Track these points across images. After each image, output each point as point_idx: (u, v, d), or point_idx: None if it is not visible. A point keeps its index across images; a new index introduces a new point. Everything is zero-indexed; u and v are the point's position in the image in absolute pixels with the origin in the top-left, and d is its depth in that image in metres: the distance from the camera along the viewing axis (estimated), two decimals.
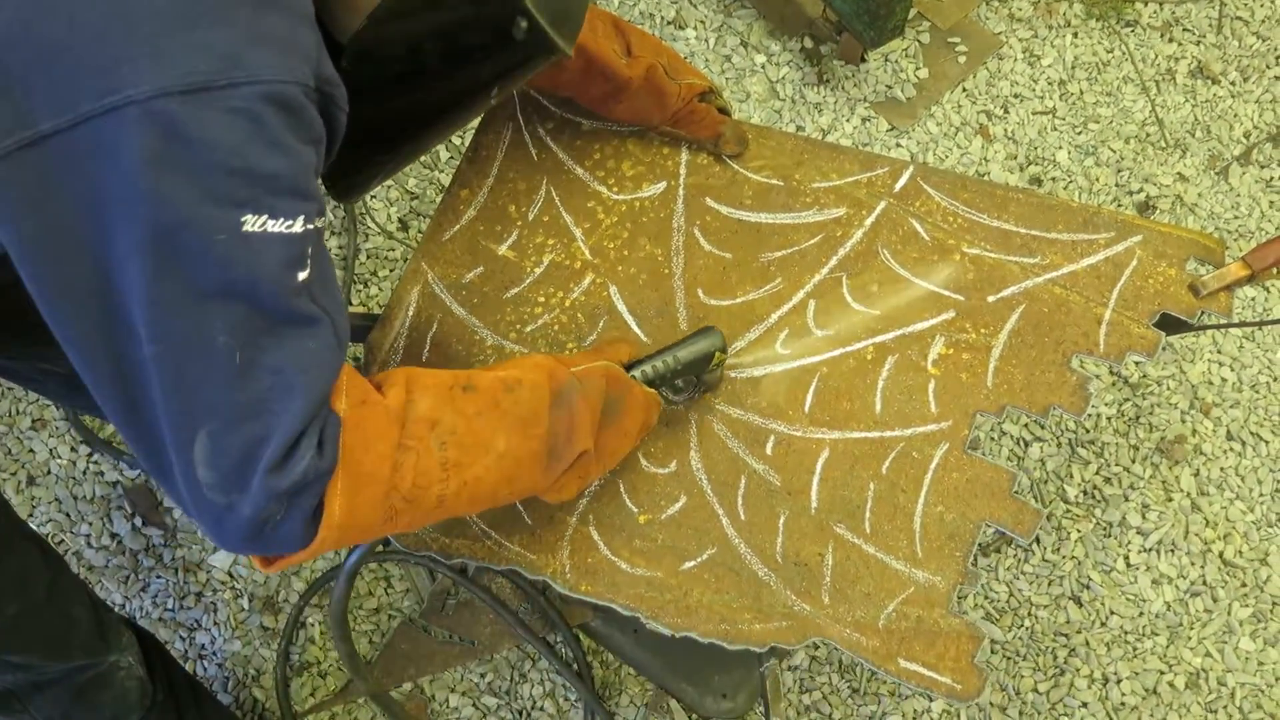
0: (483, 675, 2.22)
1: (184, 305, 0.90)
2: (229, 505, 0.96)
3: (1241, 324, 1.56)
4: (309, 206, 0.95)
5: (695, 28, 2.80)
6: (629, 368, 1.34)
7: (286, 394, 0.95)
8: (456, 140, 2.69)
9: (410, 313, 1.53)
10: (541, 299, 1.54)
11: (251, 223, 0.90)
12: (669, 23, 2.80)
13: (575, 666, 2.16)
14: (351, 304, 2.52)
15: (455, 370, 1.17)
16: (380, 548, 2.26)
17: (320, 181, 1.05)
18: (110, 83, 0.85)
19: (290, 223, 0.93)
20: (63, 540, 2.25)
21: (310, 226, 0.95)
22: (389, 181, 2.67)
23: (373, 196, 2.65)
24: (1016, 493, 1.38)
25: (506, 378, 1.17)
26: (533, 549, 1.39)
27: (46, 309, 0.94)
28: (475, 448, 1.11)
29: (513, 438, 1.14)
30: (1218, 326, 1.63)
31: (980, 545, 2.33)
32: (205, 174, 0.88)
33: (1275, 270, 1.42)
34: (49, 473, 2.30)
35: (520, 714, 2.19)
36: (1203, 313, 1.44)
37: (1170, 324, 1.45)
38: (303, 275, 0.95)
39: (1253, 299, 2.58)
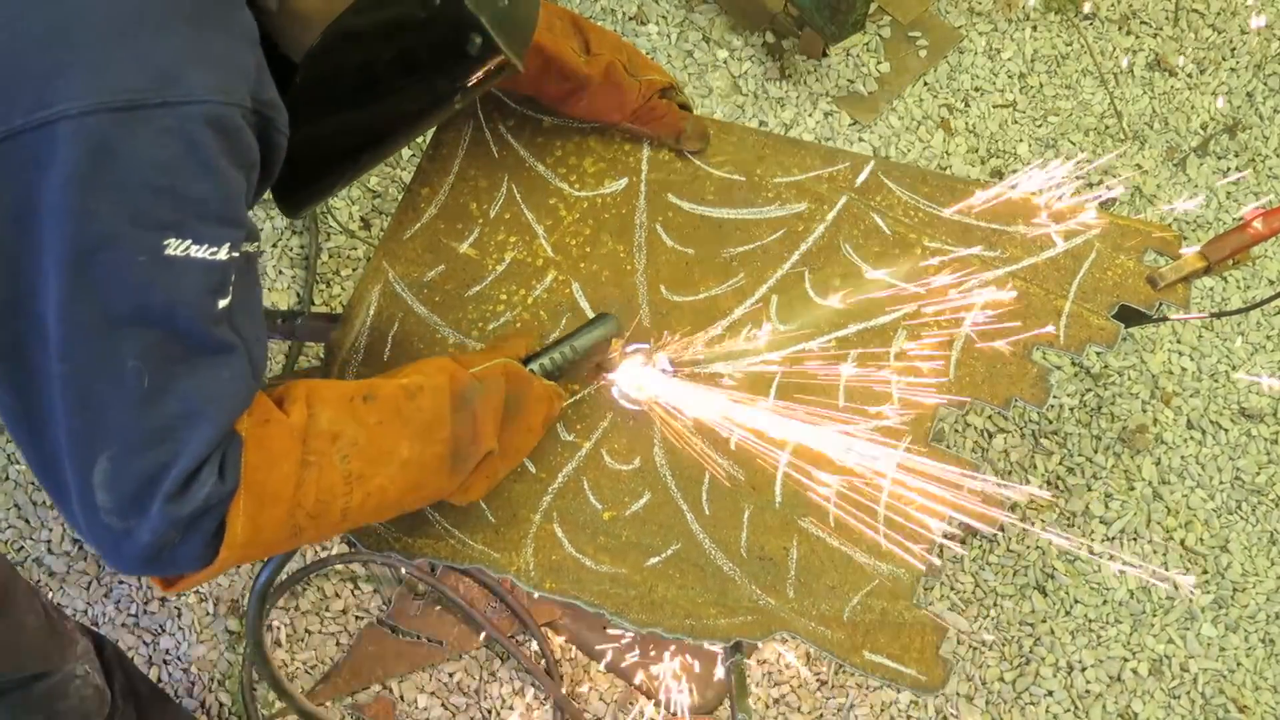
0: (451, 675, 2.21)
1: (97, 327, 0.89)
2: (126, 530, 0.95)
3: (1198, 316, 1.57)
4: (235, 234, 0.94)
5: (657, 23, 2.79)
6: (527, 361, 1.33)
7: (193, 422, 0.95)
8: (419, 138, 2.67)
9: (371, 312, 1.52)
10: (504, 297, 1.53)
11: (174, 246, 0.89)
12: (631, 18, 2.79)
13: (544, 664, 2.16)
14: (314, 304, 2.50)
15: (357, 380, 1.17)
16: (348, 547, 2.25)
17: (266, 197, 1.05)
18: (45, 96, 0.84)
19: (215, 249, 0.92)
20: (23, 546, 2.22)
21: (235, 254, 0.94)
22: None
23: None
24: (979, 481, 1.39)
25: (408, 384, 1.16)
26: (496, 547, 1.38)
27: None
28: (378, 458, 1.10)
29: (416, 444, 1.13)
30: (1175, 319, 1.64)
31: (945, 535, 2.35)
32: (131, 193, 0.87)
33: (1231, 261, 1.44)
34: (8, 478, 2.26)
35: (489, 713, 2.18)
36: (1161, 303, 1.45)
37: (1129, 315, 1.46)
38: (223, 302, 0.94)
39: (1211, 289, 2.61)
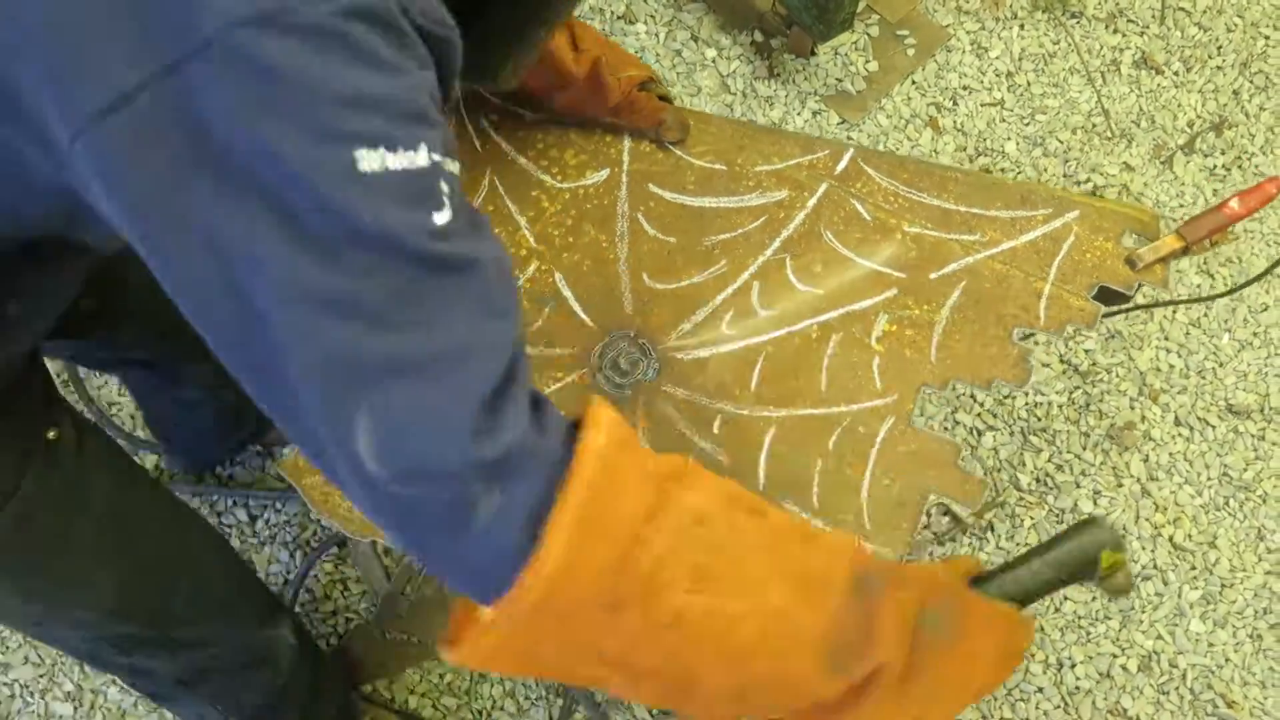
0: (441, 675, 2.20)
1: (311, 266, 0.74)
2: (418, 498, 0.77)
3: (1177, 301, 1.58)
4: (429, 134, 0.77)
5: (645, 22, 2.81)
6: (976, 582, 0.99)
7: (461, 354, 0.78)
8: None
9: None
10: None
11: (367, 159, 0.74)
12: (619, 17, 2.80)
13: None
14: None
15: (737, 486, 0.92)
16: (337, 548, 2.24)
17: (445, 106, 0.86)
18: (190, 19, 0.72)
19: (411, 153, 0.76)
20: None
21: (435, 158, 0.78)
22: None
23: None
24: (962, 462, 1.39)
25: (805, 525, 0.94)
26: None
27: (167, 284, 0.79)
28: (742, 583, 0.85)
29: (790, 598, 0.86)
30: (1154, 306, 1.65)
31: (936, 534, 2.35)
32: (303, 110, 0.73)
33: (1209, 241, 1.45)
34: None
35: (480, 714, 2.17)
36: (1140, 285, 1.46)
37: (1109, 296, 1.47)
38: (441, 218, 0.77)
39: (1198, 286, 2.62)
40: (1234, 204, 1.38)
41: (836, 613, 0.87)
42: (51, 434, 1.16)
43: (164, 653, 1.41)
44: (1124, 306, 1.48)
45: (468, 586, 0.83)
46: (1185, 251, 1.42)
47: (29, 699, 2.14)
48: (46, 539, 1.17)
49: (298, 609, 2.24)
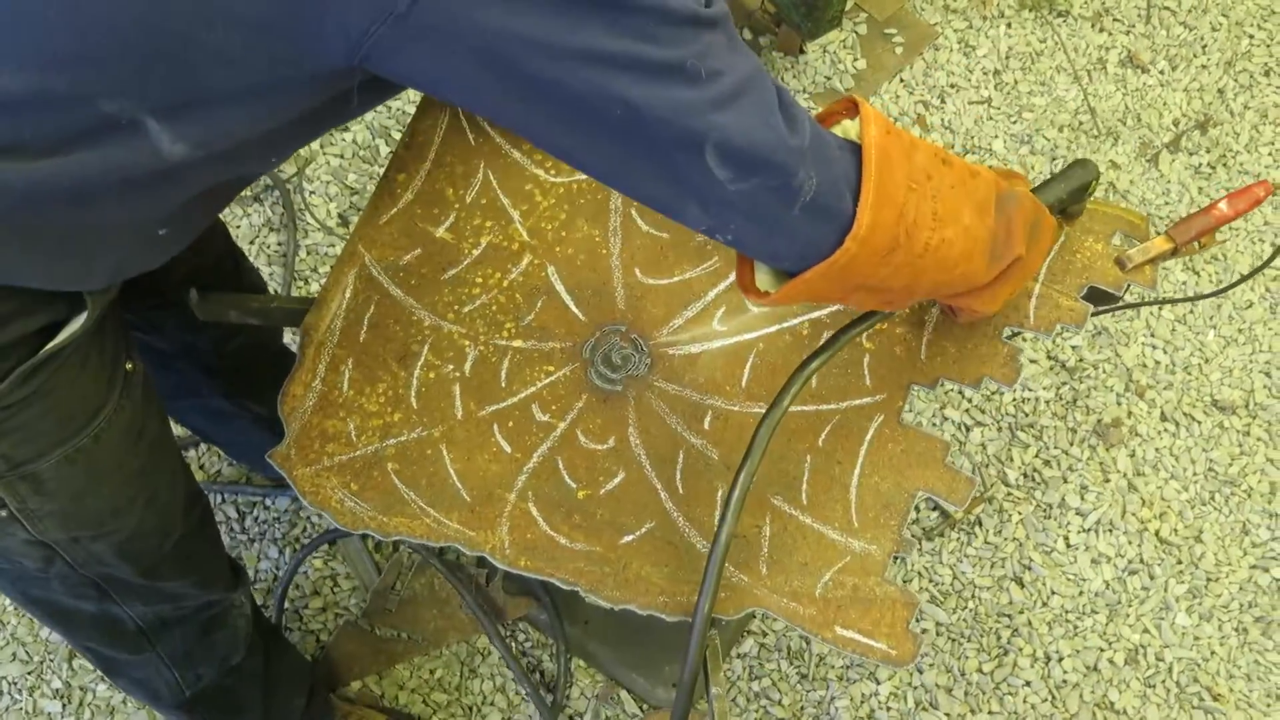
0: (432, 671, 2.21)
1: (641, 49, 0.90)
2: (758, 179, 0.99)
3: (1163, 300, 1.59)
4: None
5: None
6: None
7: (748, 79, 0.97)
8: (396, 134, 2.68)
9: (347, 295, 1.52)
10: (479, 280, 1.53)
11: None
12: None
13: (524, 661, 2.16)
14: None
15: (930, 143, 1.19)
16: (328, 546, 2.24)
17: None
18: None
19: None
20: None
21: None
22: (328, 177, 2.66)
23: (311, 192, 2.64)
24: (950, 460, 1.40)
25: (971, 164, 1.19)
26: (471, 525, 1.39)
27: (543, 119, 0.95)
28: (950, 215, 1.12)
29: (974, 216, 1.15)
30: (1142, 305, 1.66)
31: (924, 529, 2.36)
32: None
33: (1198, 243, 1.46)
34: None
35: (470, 709, 2.18)
36: (1129, 286, 1.47)
37: (1098, 296, 1.48)
38: None
39: (1184, 283, 2.64)
40: (1223, 206, 1.39)
41: (993, 225, 1.18)
42: (129, 366, 1.26)
43: (138, 602, 1.46)
44: (1112, 305, 1.49)
45: (796, 260, 1.08)
46: (1174, 253, 1.43)
47: (17, 696, 2.14)
48: (109, 462, 1.26)
49: (287, 605, 2.24)
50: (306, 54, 0.89)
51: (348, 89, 0.96)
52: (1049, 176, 1.41)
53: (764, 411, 1.26)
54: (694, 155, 0.96)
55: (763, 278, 1.17)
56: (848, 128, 1.13)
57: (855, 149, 1.07)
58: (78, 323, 1.11)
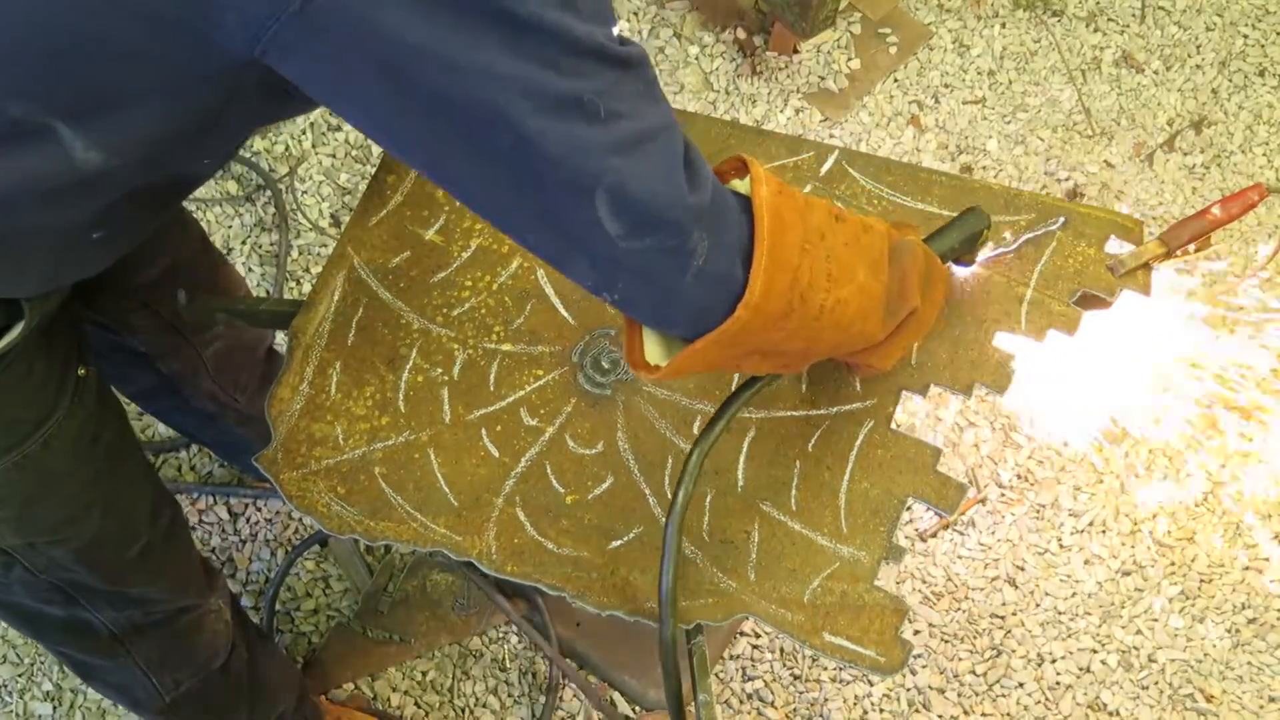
0: (424, 673, 2.20)
1: (541, 78, 0.86)
2: (650, 240, 0.95)
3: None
4: None
5: (629, 19, 2.80)
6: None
7: (655, 128, 0.94)
8: None
9: (336, 297, 1.52)
10: (469, 283, 1.53)
11: None
12: None
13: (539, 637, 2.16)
14: (283, 299, 2.49)
15: (815, 197, 1.16)
16: (319, 547, 2.24)
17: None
18: None
19: None
20: None
21: None
22: (320, 177, 2.65)
23: (303, 192, 2.63)
24: (942, 465, 1.39)
25: (863, 219, 1.17)
26: (459, 530, 1.38)
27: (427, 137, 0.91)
28: (844, 274, 1.10)
29: (868, 274, 1.14)
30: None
31: (918, 530, 2.36)
32: None
33: (1192, 247, 1.45)
34: None
35: (462, 711, 2.17)
36: (1122, 291, 1.46)
37: (1090, 302, 1.47)
38: (615, 28, 0.92)
39: (1176, 280, 2.63)
40: (1216, 210, 1.38)
41: (888, 280, 1.17)
42: (82, 371, 1.26)
43: (108, 607, 1.45)
44: (1105, 307, 1.49)
45: (688, 327, 1.05)
46: (1167, 257, 1.42)
47: (7, 698, 2.13)
48: (60, 469, 1.25)
49: (279, 607, 2.24)
50: (206, 46, 0.86)
51: (256, 84, 0.92)
52: (940, 226, 1.38)
53: (753, 416, 1.25)
54: (584, 201, 0.91)
55: (652, 349, 1.13)
56: (737, 187, 1.09)
57: (750, 208, 1.05)
58: (15, 330, 1.11)
